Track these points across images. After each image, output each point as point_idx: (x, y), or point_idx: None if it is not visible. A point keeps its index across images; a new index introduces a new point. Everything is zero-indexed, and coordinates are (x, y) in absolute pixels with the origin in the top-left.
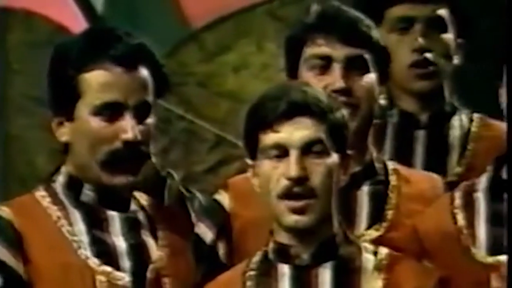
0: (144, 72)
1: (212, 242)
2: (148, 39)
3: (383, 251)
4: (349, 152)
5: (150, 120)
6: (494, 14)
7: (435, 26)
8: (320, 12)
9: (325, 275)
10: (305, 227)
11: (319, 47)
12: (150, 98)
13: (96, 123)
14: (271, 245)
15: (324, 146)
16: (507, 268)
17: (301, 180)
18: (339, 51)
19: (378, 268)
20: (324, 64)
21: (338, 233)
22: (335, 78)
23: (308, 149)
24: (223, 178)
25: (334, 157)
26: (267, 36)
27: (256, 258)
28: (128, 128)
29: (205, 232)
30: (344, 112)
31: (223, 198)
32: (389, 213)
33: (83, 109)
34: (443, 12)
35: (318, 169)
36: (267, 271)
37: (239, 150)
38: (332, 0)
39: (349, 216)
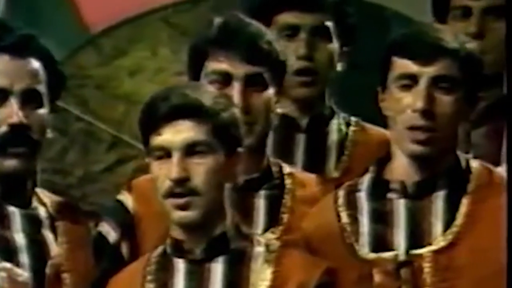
0: (34, 63)
1: (116, 242)
2: (48, 42)
3: (275, 244)
4: (239, 149)
5: (42, 111)
6: (376, 24)
7: (320, 35)
8: (222, 26)
9: (217, 269)
10: (191, 222)
11: (220, 63)
12: (41, 88)
13: None
14: (168, 240)
15: (207, 146)
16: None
17: (181, 181)
18: (239, 69)
19: (267, 261)
20: (224, 80)
21: (230, 229)
22: (234, 96)
23: (190, 150)
24: (120, 177)
25: (220, 156)
26: (161, 42)
27: (156, 252)
28: (13, 112)
29: (108, 231)
30: (234, 110)
31: (127, 199)
32: (285, 217)
33: None
34: (328, 22)
35: (199, 169)
36: (165, 265)
37: (135, 150)
38: (225, 9)
39: (247, 219)
